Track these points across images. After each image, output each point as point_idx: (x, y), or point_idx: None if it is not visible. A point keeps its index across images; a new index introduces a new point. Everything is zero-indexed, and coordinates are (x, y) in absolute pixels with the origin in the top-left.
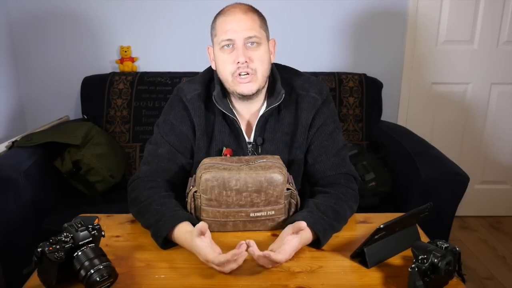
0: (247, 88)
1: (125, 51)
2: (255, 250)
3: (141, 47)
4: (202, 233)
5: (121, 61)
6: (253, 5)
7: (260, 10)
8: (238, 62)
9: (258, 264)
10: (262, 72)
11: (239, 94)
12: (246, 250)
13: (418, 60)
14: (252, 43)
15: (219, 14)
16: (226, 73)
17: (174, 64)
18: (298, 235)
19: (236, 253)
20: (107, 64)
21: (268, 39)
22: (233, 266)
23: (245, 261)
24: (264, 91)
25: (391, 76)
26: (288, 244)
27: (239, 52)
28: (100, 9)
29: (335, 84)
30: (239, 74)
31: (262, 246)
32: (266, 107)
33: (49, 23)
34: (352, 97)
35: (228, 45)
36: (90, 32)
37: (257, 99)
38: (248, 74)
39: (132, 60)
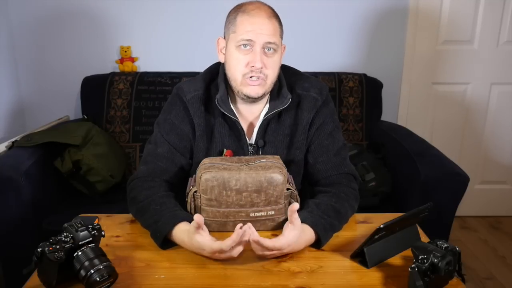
0: (254, 91)
1: (125, 51)
2: (251, 233)
3: (141, 47)
4: (199, 227)
5: (121, 61)
6: None
7: None
8: (253, 66)
9: (257, 256)
10: (272, 79)
11: (244, 95)
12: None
13: (418, 60)
14: (269, 49)
15: (241, 10)
16: (236, 72)
17: (174, 64)
18: (296, 227)
19: (239, 233)
20: (107, 64)
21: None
22: (240, 248)
23: (245, 261)
24: (268, 94)
25: (391, 76)
26: (284, 235)
27: (256, 57)
28: (100, 9)
29: (335, 84)
30: (250, 77)
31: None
32: (270, 110)
33: (49, 23)
34: (352, 97)
35: (245, 45)
36: (90, 32)
37: (260, 101)
38: (258, 78)
39: (132, 60)
